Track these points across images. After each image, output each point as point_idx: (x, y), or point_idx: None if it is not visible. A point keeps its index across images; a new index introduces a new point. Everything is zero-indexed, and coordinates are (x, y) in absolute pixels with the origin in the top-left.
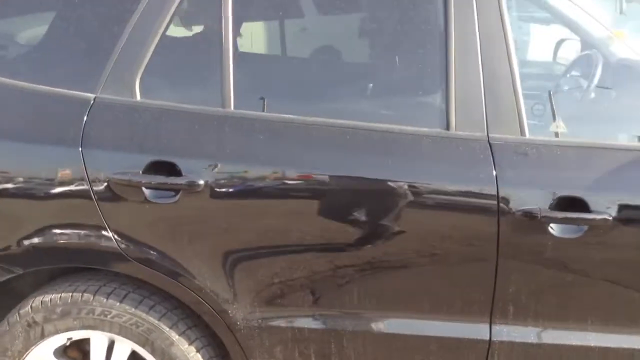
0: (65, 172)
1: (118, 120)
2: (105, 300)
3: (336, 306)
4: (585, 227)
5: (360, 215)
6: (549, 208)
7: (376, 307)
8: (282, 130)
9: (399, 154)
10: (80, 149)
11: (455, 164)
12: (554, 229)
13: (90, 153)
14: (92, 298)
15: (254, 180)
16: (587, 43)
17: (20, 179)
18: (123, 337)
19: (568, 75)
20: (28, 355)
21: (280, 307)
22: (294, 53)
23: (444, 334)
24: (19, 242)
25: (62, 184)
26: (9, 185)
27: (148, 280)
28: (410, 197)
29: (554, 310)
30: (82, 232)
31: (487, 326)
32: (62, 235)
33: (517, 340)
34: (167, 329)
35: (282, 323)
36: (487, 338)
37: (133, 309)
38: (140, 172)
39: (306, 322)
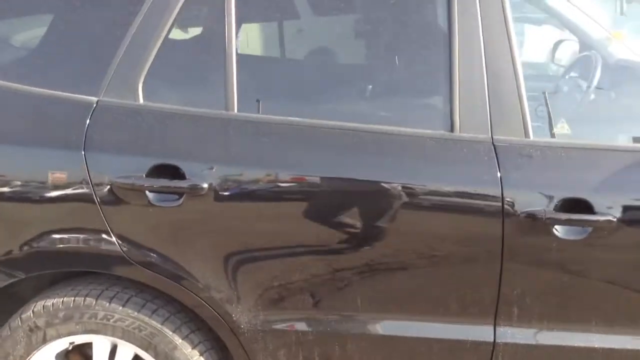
0: (67, 176)
1: (121, 123)
2: (107, 304)
3: (340, 309)
4: (590, 229)
5: (365, 217)
6: (554, 210)
7: (380, 309)
8: (286, 133)
9: (404, 156)
10: (83, 152)
11: (459, 166)
12: (558, 230)
13: (93, 156)
14: (94, 302)
15: (258, 183)
16: (585, 44)
17: (23, 183)
18: (126, 341)
19: (567, 77)
20: None
21: (284, 310)
22: (297, 55)
23: (448, 336)
24: (22, 247)
25: (64, 187)
26: (11, 189)
27: (151, 284)
28: (415, 199)
29: (559, 312)
30: (85, 236)
31: (491, 328)
32: (65, 240)
33: (521, 342)
34: (171, 332)
35: (286, 326)
36: (492, 340)
37: (136, 313)
38: (144, 175)
39: (310, 325)
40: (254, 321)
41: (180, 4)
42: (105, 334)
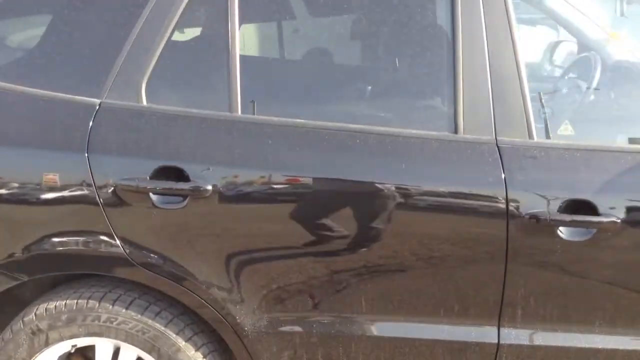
0: (70, 178)
1: (124, 125)
2: (111, 306)
3: (344, 311)
4: (594, 230)
5: (368, 219)
6: (558, 211)
7: (384, 311)
8: (290, 135)
9: (408, 157)
10: (86, 154)
11: (463, 168)
12: (562, 232)
13: (96, 158)
14: (97, 305)
15: (263, 185)
16: (583, 45)
17: (25, 185)
18: (129, 344)
19: (566, 77)
20: None
21: (289, 312)
22: (300, 57)
23: (452, 338)
24: (24, 249)
25: (67, 189)
26: (14, 191)
27: (155, 286)
28: (418, 201)
29: (562, 313)
30: (88, 238)
31: (495, 329)
32: (68, 242)
33: (525, 342)
34: (174, 335)
35: (290, 328)
36: (496, 341)
37: (139, 316)
38: (148, 177)
39: (314, 327)
40: (257, 323)
41: (183, 5)
42: (108, 336)
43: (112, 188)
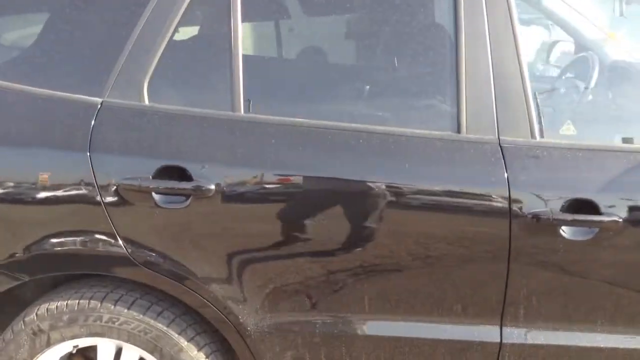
0: (72, 177)
1: (126, 124)
2: (112, 307)
3: (348, 310)
4: (596, 230)
5: (373, 218)
6: (560, 210)
7: (387, 311)
8: (293, 134)
9: (411, 157)
10: (88, 153)
11: (466, 167)
12: (565, 231)
13: (98, 158)
14: (99, 305)
15: (266, 185)
16: (580, 45)
17: (26, 185)
18: (131, 344)
19: (563, 77)
20: None
21: (292, 312)
22: (304, 56)
23: (455, 337)
24: (26, 249)
25: (69, 189)
26: (15, 191)
27: (157, 286)
28: (421, 200)
29: (564, 312)
30: (90, 238)
31: (497, 328)
32: (70, 242)
33: (528, 342)
34: (176, 335)
35: (292, 327)
36: (498, 340)
37: (141, 316)
38: (150, 177)
39: (317, 327)
40: (260, 323)
41: (185, 4)
42: (110, 337)
43: (114, 187)
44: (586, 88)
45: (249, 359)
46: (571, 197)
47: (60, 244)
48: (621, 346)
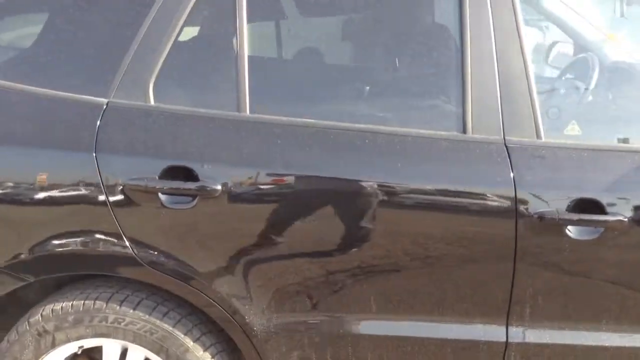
0: (78, 178)
1: (132, 125)
2: (118, 307)
3: (354, 310)
4: (602, 229)
5: (379, 218)
6: (566, 210)
7: (393, 310)
8: (299, 135)
9: (416, 157)
10: (94, 154)
11: (472, 167)
12: (570, 231)
13: (104, 158)
14: (104, 305)
15: (272, 185)
16: (580, 46)
17: (32, 185)
18: (137, 344)
19: (563, 78)
20: None
21: (298, 312)
22: (310, 56)
23: (461, 337)
24: (31, 250)
25: (75, 189)
26: (20, 192)
27: (163, 287)
28: (427, 201)
29: (570, 311)
30: (96, 238)
31: (503, 328)
32: (76, 242)
33: (533, 341)
34: (182, 335)
35: (299, 327)
36: (504, 340)
37: (147, 316)
38: (157, 177)
39: (323, 326)
40: (267, 323)
41: (191, 5)
42: (115, 337)
43: (121, 188)
44: (586, 89)
45: (254, 359)
46: (577, 196)
47: (66, 245)
48: (626, 345)
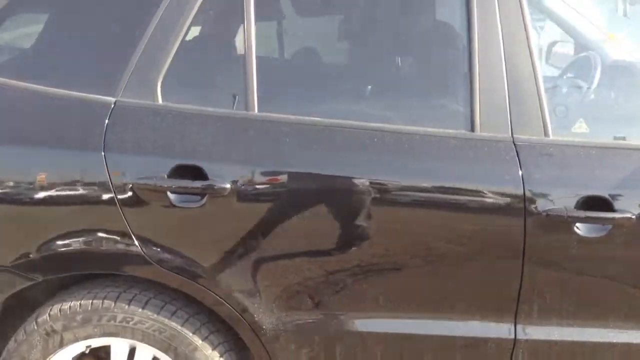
0: (87, 177)
1: (140, 124)
2: (127, 306)
3: (364, 308)
4: (610, 226)
5: (387, 217)
6: (575, 208)
7: (402, 308)
8: (307, 133)
9: (425, 155)
10: (102, 153)
11: (481, 165)
12: (579, 228)
13: (112, 157)
14: (113, 305)
15: (281, 183)
16: (581, 45)
17: (40, 185)
18: (145, 343)
19: (565, 77)
20: None
21: (307, 310)
22: (319, 55)
23: (470, 334)
24: (40, 249)
25: (83, 188)
26: (29, 191)
27: (172, 285)
28: (436, 199)
29: (578, 308)
30: (105, 237)
31: (512, 325)
32: (85, 241)
33: (541, 338)
34: (191, 334)
35: (308, 325)
36: (512, 337)
37: (156, 315)
38: (165, 176)
39: (333, 325)
40: (276, 321)
41: (198, 4)
42: (124, 336)
43: (129, 187)
44: (588, 88)
45: (263, 358)
46: (585, 194)
47: (75, 244)
48: (634, 341)
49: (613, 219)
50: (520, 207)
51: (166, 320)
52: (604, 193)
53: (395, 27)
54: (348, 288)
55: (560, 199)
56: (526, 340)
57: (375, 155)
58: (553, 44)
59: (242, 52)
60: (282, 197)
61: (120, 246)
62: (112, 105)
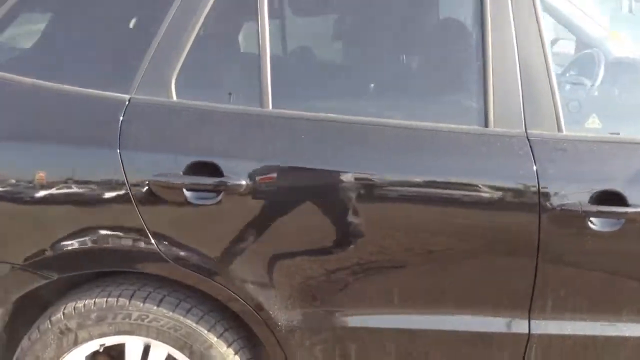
0: (102, 174)
1: (155, 121)
2: (142, 304)
3: (378, 305)
4: (623, 221)
5: (403, 213)
6: (589, 202)
7: (417, 304)
8: (322, 130)
9: (440, 151)
10: (118, 150)
11: (495, 161)
12: (593, 222)
13: (128, 154)
14: (127, 303)
15: (297, 180)
16: (583, 43)
17: (56, 182)
18: (160, 341)
19: (567, 74)
20: None
21: (322, 306)
22: (330, 52)
23: (484, 329)
24: (55, 247)
25: (99, 186)
26: (45, 189)
27: (187, 282)
28: (451, 194)
29: (592, 303)
30: (121, 235)
31: (526, 320)
32: (101, 239)
33: (555, 332)
34: (206, 331)
35: (323, 322)
36: (526, 331)
37: (171, 313)
38: (181, 173)
39: (348, 321)
40: (291, 317)
41: (212, 0)
42: (139, 334)
43: (145, 184)
44: (592, 85)
45: (278, 354)
46: (598, 189)
47: (91, 241)
48: None
49: (626, 213)
50: (535, 202)
51: (181, 318)
52: (618, 188)
53: (410, 24)
54: (363, 284)
55: (574, 194)
56: (540, 335)
57: (392, 152)
58: (554, 41)
59: (257, 48)
60: (297, 193)
61: (136, 243)
62: (127, 103)
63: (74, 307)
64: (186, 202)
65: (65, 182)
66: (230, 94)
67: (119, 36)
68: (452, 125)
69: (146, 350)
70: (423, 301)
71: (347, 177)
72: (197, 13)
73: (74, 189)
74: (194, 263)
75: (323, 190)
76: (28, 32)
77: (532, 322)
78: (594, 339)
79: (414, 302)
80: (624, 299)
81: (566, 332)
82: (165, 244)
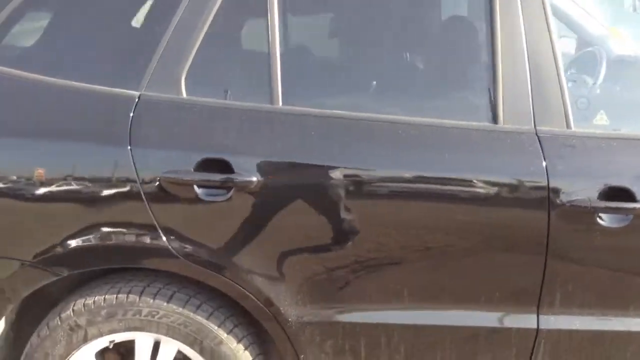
0: (113, 171)
1: (165, 118)
2: (152, 300)
3: (388, 300)
4: (632, 216)
5: (413, 210)
6: (598, 198)
7: (426, 300)
8: (333, 126)
9: (450, 148)
10: (129, 147)
11: (504, 157)
12: (602, 218)
13: (138, 151)
14: (138, 299)
15: (307, 177)
16: (584, 41)
17: (66, 179)
18: (170, 337)
19: (569, 72)
20: None
21: (332, 302)
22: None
23: (493, 325)
24: (65, 244)
25: (110, 183)
26: (56, 185)
27: (197, 278)
28: (461, 191)
29: (600, 298)
30: (131, 231)
31: (534, 315)
32: (111, 235)
33: (564, 327)
34: (216, 327)
35: (333, 318)
36: (535, 327)
37: (181, 309)
38: (192, 169)
39: (358, 317)
40: (301, 313)
41: None
42: (149, 330)
43: (155, 181)
44: (594, 83)
45: (289, 350)
46: (607, 185)
47: (101, 238)
48: None
49: (635, 209)
50: (544, 197)
51: (191, 314)
52: (626, 183)
53: (420, 21)
54: (374, 280)
55: (583, 190)
56: (548, 330)
57: (401, 148)
58: None
59: (266, 45)
60: (307, 189)
61: (147, 240)
62: (137, 99)
63: (84, 304)
64: (197, 199)
65: (77, 178)
66: (226, 91)
67: (129, 33)
68: (462, 122)
69: (156, 346)
70: (434, 297)
71: (357, 174)
72: (207, 10)
73: (85, 186)
74: (204, 259)
75: (333, 187)
76: (34, 29)
77: (541, 317)
78: (602, 334)
79: (425, 298)
80: (633, 294)
81: (574, 327)
82: (176, 240)
